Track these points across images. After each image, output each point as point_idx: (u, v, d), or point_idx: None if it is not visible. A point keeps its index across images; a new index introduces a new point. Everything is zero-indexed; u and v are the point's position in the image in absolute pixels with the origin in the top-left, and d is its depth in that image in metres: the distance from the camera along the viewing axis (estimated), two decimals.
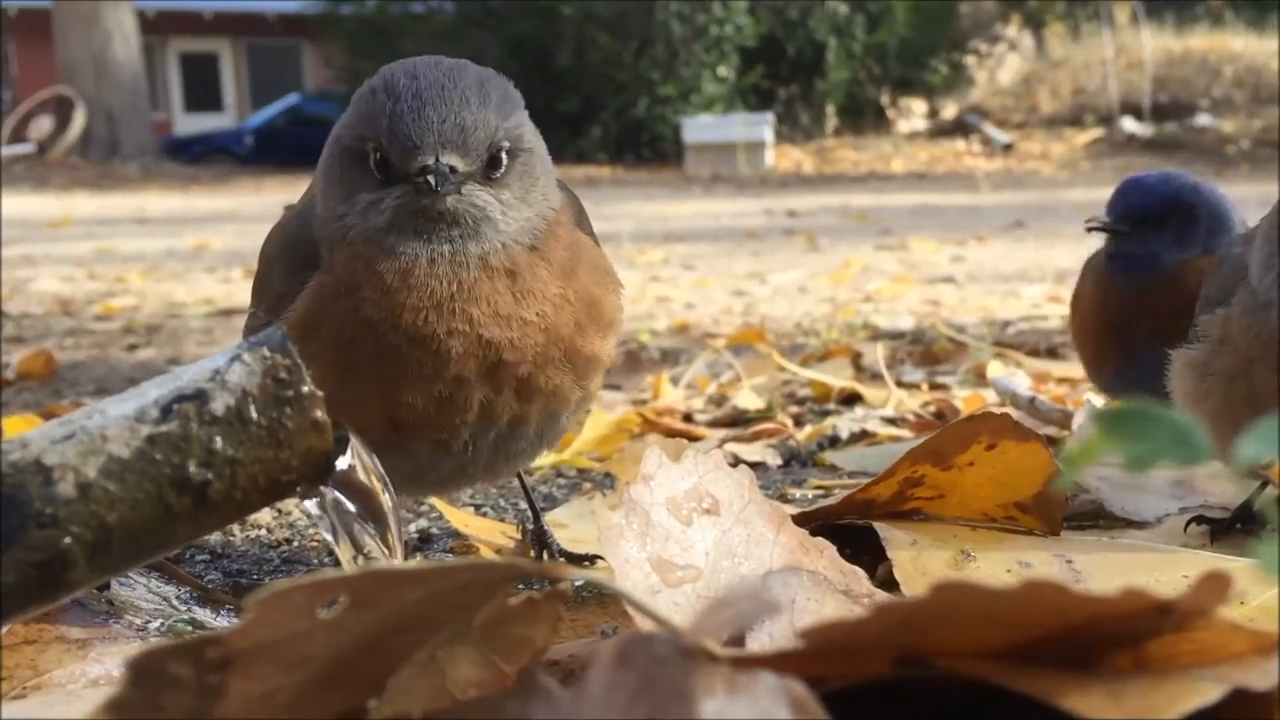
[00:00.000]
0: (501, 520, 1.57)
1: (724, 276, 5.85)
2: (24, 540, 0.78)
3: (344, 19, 20.32)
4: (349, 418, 0.94)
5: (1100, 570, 1.11)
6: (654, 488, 0.98)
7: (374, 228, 1.11)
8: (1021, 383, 2.14)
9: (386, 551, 0.92)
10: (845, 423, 2.09)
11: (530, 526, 1.39)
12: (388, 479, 0.96)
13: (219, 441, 0.82)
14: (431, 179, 1.07)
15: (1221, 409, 1.20)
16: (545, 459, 1.88)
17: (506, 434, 1.18)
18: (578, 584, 1.20)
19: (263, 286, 1.24)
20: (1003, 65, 21.61)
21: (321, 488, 0.89)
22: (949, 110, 20.69)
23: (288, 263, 1.20)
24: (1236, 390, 1.18)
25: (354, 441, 0.92)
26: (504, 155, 1.12)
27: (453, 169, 1.08)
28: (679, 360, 3.09)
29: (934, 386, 2.46)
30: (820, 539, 1.04)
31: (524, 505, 1.41)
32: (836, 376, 2.50)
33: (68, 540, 0.78)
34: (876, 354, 2.48)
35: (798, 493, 1.66)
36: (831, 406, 2.33)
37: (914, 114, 20.87)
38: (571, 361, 1.17)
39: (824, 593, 0.89)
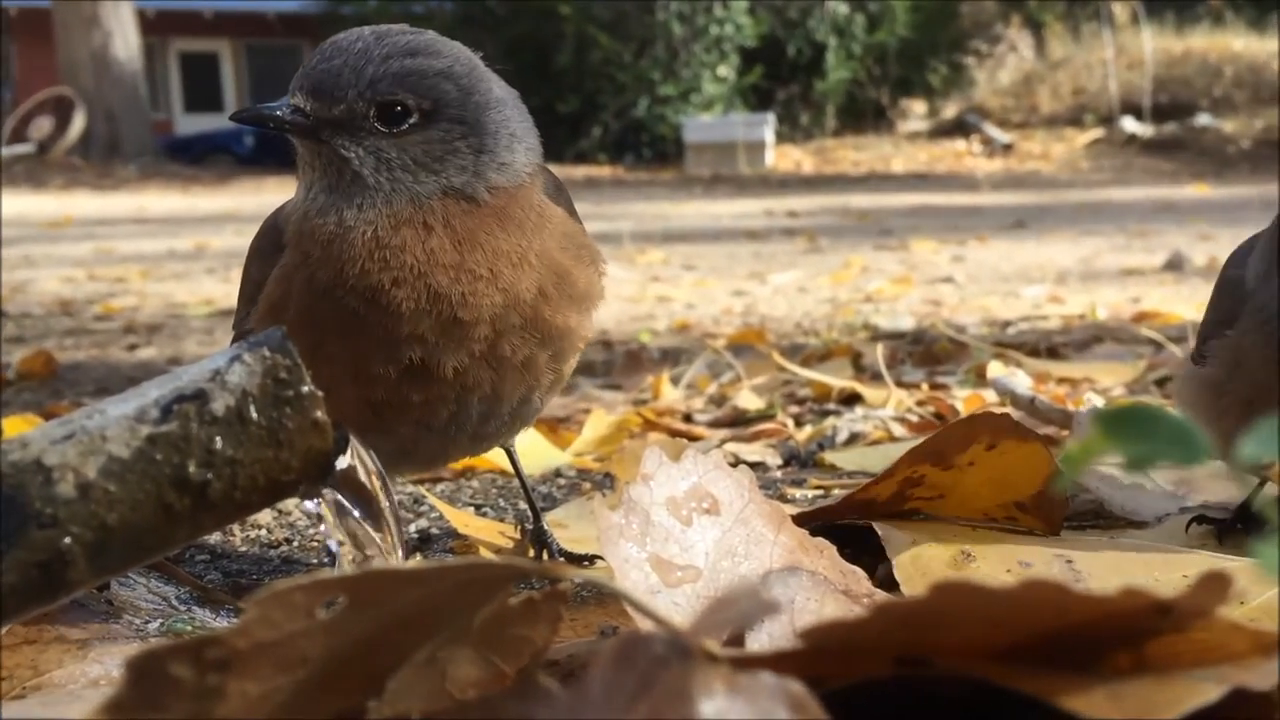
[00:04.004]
0: (501, 520, 1.57)
1: (724, 277, 5.85)
2: (24, 540, 0.78)
3: (345, 19, 20.28)
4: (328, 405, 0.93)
5: (1100, 570, 1.11)
6: (654, 487, 0.98)
7: (300, 186, 1.16)
8: (1021, 383, 2.14)
9: (386, 552, 0.92)
10: (845, 423, 2.09)
11: (530, 526, 1.38)
12: (387, 477, 0.96)
13: (219, 442, 0.82)
14: (273, 123, 1.11)
15: (1240, 429, 1.18)
16: (547, 460, 1.88)
17: (486, 413, 1.17)
18: (577, 584, 1.20)
19: (245, 282, 1.25)
20: (1003, 65, 21.57)
21: (322, 488, 0.89)
22: (949, 110, 20.67)
23: (261, 251, 1.21)
24: (1256, 411, 1.17)
25: (354, 441, 0.92)
26: (407, 114, 1.11)
27: (298, 109, 1.10)
28: (679, 360, 3.09)
29: (934, 387, 2.46)
30: (820, 539, 1.04)
31: (524, 505, 1.41)
32: (837, 377, 2.50)
33: (68, 540, 0.78)
34: (877, 354, 2.48)
35: (798, 493, 1.66)
36: (832, 406, 2.33)
37: (914, 114, 20.86)
38: (539, 332, 1.15)
39: (824, 593, 0.89)
